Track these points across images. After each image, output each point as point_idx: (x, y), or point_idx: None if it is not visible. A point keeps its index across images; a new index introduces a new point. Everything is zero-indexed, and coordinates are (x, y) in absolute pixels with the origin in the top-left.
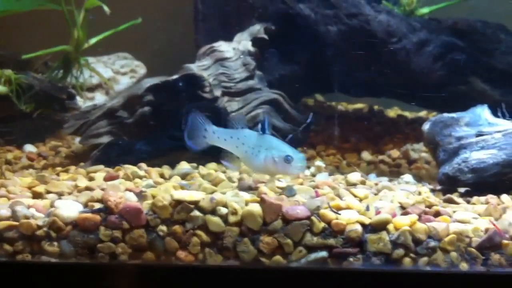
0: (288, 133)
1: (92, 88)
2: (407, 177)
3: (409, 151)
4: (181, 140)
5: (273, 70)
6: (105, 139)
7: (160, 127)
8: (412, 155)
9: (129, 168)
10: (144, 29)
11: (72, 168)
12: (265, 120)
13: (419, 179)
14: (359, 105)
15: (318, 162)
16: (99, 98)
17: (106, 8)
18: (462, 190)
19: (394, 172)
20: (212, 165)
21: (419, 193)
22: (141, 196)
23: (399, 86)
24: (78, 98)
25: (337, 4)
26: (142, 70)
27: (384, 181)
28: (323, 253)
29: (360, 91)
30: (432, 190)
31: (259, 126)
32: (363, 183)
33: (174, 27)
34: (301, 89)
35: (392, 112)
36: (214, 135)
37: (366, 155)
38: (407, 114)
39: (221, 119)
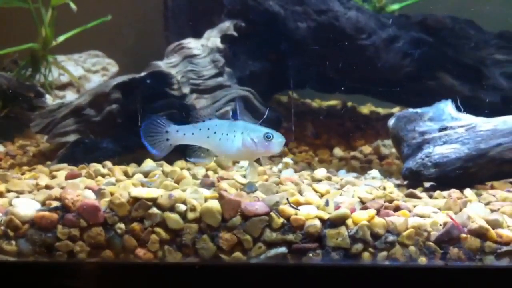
0: None
1: (62, 87)
2: (374, 172)
3: (380, 147)
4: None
5: (243, 67)
6: (72, 138)
7: (127, 125)
8: (383, 151)
9: (93, 167)
10: (116, 27)
11: (39, 167)
12: (237, 106)
13: (389, 174)
14: (332, 102)
15: (286, 159)
16: (70, 96)
17: (73, 6)
18: (427, 185)
19: (365, 168)
20: (181, 162)
21: (384, 188)
22: (99, 193)
23: (369, 82)
24: (47, 96)
25: (307, 0)
26: (113, 68)
27: (350, 177)
28: (283, 249)
29: (330, 87)
30: (398, 185)
31: (230, 114)
32: (328, 179)
33: (145, 25)
34: (272, 85)
35: (365, 109)
36: (179, 134)
37: (338, 151)
38: (380, 110)
39: (189, 116)
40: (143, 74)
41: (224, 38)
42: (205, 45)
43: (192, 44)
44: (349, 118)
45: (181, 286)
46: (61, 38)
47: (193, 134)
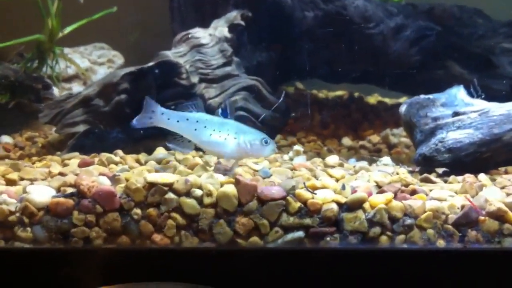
0: (266, 119)
1: (69, 79)
2: (386, 159)
3: (389, 136)
4: (156, 127)
5: (250, 57)
6: (81, 128)
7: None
8: (392, 140)
9: (105, 155)
10: (122, 19)
11: (49, 157)
12: (227, 105)
13: (399, 163)
14: (339, 92)
15: (296, 146)
16: (77, 88)
17: None
18: (440, 171)
19: (374, 157)
20: (191, 152)
21: (397, 174)
22: (114, 180)
23: (376, 71)
24: (54, 88)
25: None
26: (119, 60)
27: (362, 163)
28: (300, 233)
29: (337, 77)
30: (410, 172)
31: (219, 110)
32: (341, 165)
33: (151, 16)
34: (279, 75)
35: (372, 99)
36: (163, 117)
37: (346, 141)
38: (387, 100)
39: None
40: (151, 64)
41: (232, 27)
42: (213, 34)
43: (200, 34)
44: (356, 108)
45: (198, 271)
46: (68, 30)
47: (178, 121)
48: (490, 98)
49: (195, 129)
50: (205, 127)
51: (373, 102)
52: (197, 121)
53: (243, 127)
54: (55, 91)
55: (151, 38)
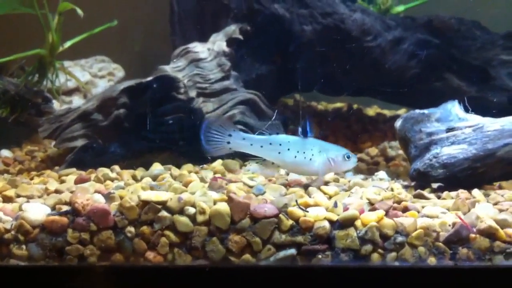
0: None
1: (69, 92)
2: (382, 174)
3: (387, 148)
4: (155, 141)
5: (249, 70)
6: (80, 142)
7: (135, 129)
8: (390, 153)
9: (102, 171)
10: (123, 33)
11: (47, 172)
12: (307, 123)
13: (396, 176)
14: (338, 104)
15: None
16: (77, 102)
17: (79, 11)
18: (435, 185)
19: (372, 169)
20: (188, 166)
21: (392, 189)
22: (109, 197)
23: (375, 84)
24: (54, 102)
25: (312, 3)
26: (120, 73)
27: (357, 178)
28: (292, 251)
29: (336, 90)
30: (405, 187)
31: (299, 131)
32: (336, 180)
33: (152, 30)
34: (278, 88)
35: (372, 111)
36: (245, 142)
37: None
38: (386, 112)
39: (196, 120)
40: (150, 78)
41: (230, 41)
42: (211, 48)
43: (198, 48)
44: (355, 120)
45: None
46: (68, 44)
47: (261, 147)
48: (488, 110)
49: (279, 152)
50: (288, 149)
51: (372, 114)
52: (280, 144)
53: (325, 145)
54: (55, 104)
55: (152, 51)
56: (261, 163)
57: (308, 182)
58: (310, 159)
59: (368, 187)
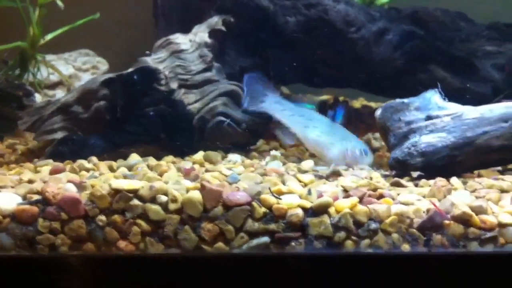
0: (246, 124)
1: (53, 86)
2: None
3: (371, 140)
4: (136, 133)
5: (233, 62)
6: (60, 135)
7: (115, 121)
8: (374, 144)
9: (78, 162)
10: (108, 26)
11: (26, 164)
12: (339, 109)
13: (380, 166)
14: (325, 97)
15: (274, 152)
16: (60, 95)
17: (60, 3)
18: (415, 174)
19: None
20: (169, 158)
21: (371, 178)
22: (80, 186)
23: (360, 76)
24: (37, 95)
25: None
26: (104, 66)
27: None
28: (265, 239)
29: (321, 82)
30: (385, 176)
31: (330, 113)
32: (315, 170)
33: (137, 22)
34: None
35: (357, 103)
36: (277, 105)
37: None
38: (372, 104)
39: (178, 111)
40: (130, 70)
41: (213, 33)
42: (193, 40)
43: (180, 39)
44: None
45: (164, 278)
46: (49, 37)
47: (291, 115)
48: (473, 101)
49: (305, 126)
50: (315, 127)
51: (358, 106)
52: (310, 120)
53: (348, 134)
54: (38, 98)
55: (138, 44)
56: (285, 130)
57: (324, 167)
58: (331, 143)
59: (348, 176)
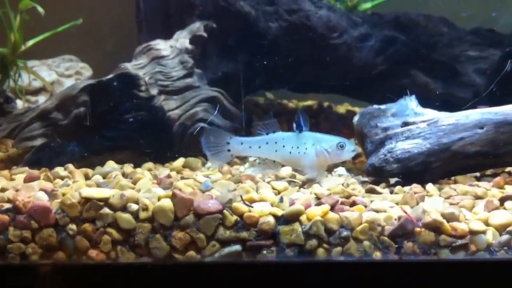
0: (228, 130)
1: (35, 92)
2: (340, 170)
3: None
4: (114, 140)
5: (215, 68)
6: (39, 142)
7: (95, 128)
8: (357, 149)
9: (54, 170)
10: (91, 31)
11: (4, 172)
12: (300, 118)
13: (361, 173)
14: (309, 102)
15: (252, 158)
16: (43, 101)
17: (40, 9)
18: (393, 181)
19: (337, 166)
20: (149, 165)
21: (347, 185)
22: (52, 195)
23: (342, 81)
24: (18, 102)
25: (277, 0)
26: (87, 72)
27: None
28: (237, 247)
29: (304, 87)
30: (363, 182)
31: (294, 126)
32: (293, 177)
33: (121, 28)
34: (245, 86)
35: (342, 108)
36: (243, 146)
37: None
38: (357, 109)
39: (157, 118)
40: (110, 76)
41: (194, 39)
42: (173, 46)
43: (161, 46)
44: (325, 118)
45: (135, 287)
46: (31, 43)
47: (259, 147)
48: (455, 106)
49: (276, 150)
50: (283, 146)
51: (343, 111)
52: (276, 142)
53: (318, 136)
54: (19, 104)
55: (122, 50)
56: (262, 162)
57: (311, 177)
58: (304, 153)
59: (325, 182)
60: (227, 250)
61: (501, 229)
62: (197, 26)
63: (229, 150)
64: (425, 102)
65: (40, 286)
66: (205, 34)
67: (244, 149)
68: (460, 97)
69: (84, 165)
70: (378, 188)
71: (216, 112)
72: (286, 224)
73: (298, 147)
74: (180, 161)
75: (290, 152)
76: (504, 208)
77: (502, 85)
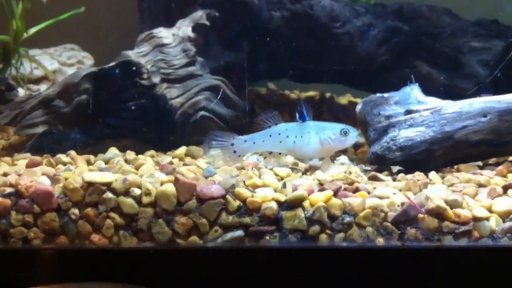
0: (230, 119)
1: (37, 80)
2: (343, 158)
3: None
4: (116, 128)
5: (218, 57)
6: (41, 129)
7: (97, 115)
8: (358, 140)
9: (56, 156)
10: (94, 20)
11: (5, 159)
12: (302, 107)
13: (363, 162)
14: (311, 93)
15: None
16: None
17: None
18: (395, 169)
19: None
20: (151, 152)
21: (350, 173)
22: (54, 179)
23: (345, 71)
24: (20, 90)
25: None
26: (89, 61)
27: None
28: (239, 232)
29: (306, 77)
30: (365, 171)
31: (297, 116)
32: (295, 165)
33: (123, 16)
34: (248, 76)
35: (344, 99)
36: (247, 144)
37: None
38: (359, 100)
39: (159, 106)
40: (112, 64)
41: (196, 27)
42: (176, 34)
43: (163, 34)
44: (327, 109)
45: (137, 271)
46: (33, 31)
47: (263, 141)
48: (458, 97)
49: (280, 141)
50: (287, 136)
51: (345, 102)
52: (279, 134)
53: (321, 125)
54: (21, 92)
55: (125, 38)
56: (269, 156)
57: (316, 165)
58: (308, 142)
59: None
60: (229, 235)
61: (504, 216)
62: (200, 15)
63: (235, 152)
64: (428, 92)
65: (42, 270)
66: (207, 23)
67: (249, 147)
68: (463, 88)
69: (86, 153)
70: (381, 176)
71: (217, 99)
72: (289, 210)
73: (302, 137)
74: (182, 149)
75: (294, 142)
76: (508, 196)
77: (505, 74)
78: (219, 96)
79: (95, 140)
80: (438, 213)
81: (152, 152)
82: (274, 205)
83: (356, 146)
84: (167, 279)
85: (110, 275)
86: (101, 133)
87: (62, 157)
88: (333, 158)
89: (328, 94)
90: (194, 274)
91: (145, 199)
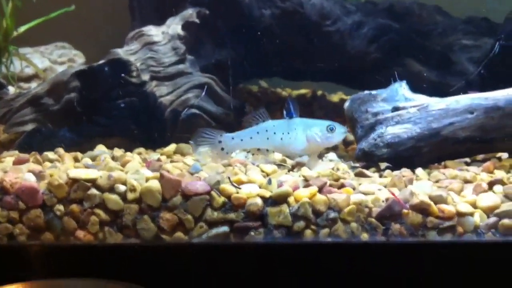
0: (220, 117)
1: (28, 78)
2: (331, 155)
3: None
4: (105, 126)
5: (209, 55)
6: (30, 127)
7: (86, 113)
8: (348, 137)
9: (44, 153)
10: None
11: None
12: (290, 104)
13: (353, 159)
14: (303, 91)
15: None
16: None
17: None
18: (383, 166)
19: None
20: (140, 150)
21: (337, 169)
22: (39, 176)
23: (336, 69)
24: (10, 88)
25: None
26: (80, 59)
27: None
28: (225, 228)
29: (297, 75)
30: (353, 167)
31: (284, 113)
32: (283, 161)
33: (114, 15)
34: (239, 74)
35: (336, 97)
36: (235, 141)
37: None
38: None
39: (149, 103)
40: (101, 61)
41: (186, 25)
42: (165, 32)
43: (152, 31)
44: (318, 106)
45: (122, 268)
46: (22, 29)
47: (251, 138)
48: (448, 95)
49: (267, 138)
50: (274, 133)
51: (336, 100)
52: (267, 131)
53: (309, 121)
54: (12, 90)
55: (116, 37)
56: (257, 154)
57: (304, 161)
58: (295, 139)
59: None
60: (214, 231)
61: (488, 211)
62: (190, 13)
63: (222, 149)
64: (418, 90)
65: (27, 266)
66: (197, 21)
67: (236, 144)
68: (453, 86)
69: (75, 151)
70: (367, 172)
71: (204, 96)
72: (274, 206)
73: (289, 133)
74: (171, 147)
75: (282, 139)
76: (493, 192)
77: (492, 71)
78: (203, 93)
79: (84, 138)
80: (422, 209)
81: (141, 149)
82: (259, 201)
83: (347, 143)
84: (152, 275)
85: (95, 272)
86: (90, 131)
87: (50, 154)
88: (321, 155)
89: (319, 92)
90: (179, 270)
91: (130, 196)
